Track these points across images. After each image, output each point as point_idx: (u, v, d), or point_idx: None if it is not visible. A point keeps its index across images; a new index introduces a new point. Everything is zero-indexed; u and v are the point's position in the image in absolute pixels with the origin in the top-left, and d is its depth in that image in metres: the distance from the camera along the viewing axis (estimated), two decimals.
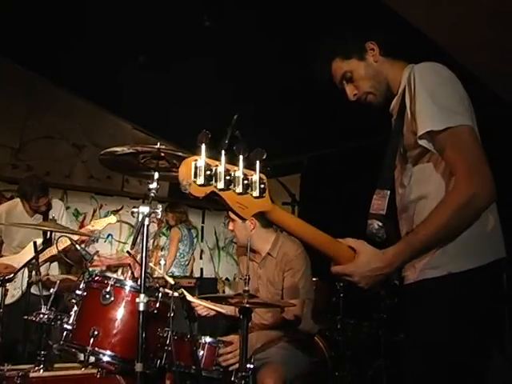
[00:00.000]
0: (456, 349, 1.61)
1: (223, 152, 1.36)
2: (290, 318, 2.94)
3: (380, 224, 1.71)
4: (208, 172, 1.33)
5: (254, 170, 1.42)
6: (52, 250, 4.03)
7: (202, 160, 1.34)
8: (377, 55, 1.83)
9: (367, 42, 1.84)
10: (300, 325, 3.01)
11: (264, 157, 1.43)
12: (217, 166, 1.36)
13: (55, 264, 4.54)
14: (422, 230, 1.56)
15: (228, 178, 1.36)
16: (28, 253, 4.19)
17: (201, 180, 1.32)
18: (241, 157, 1.40)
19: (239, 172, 1.39)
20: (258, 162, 1.42)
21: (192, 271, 6.36)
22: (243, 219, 1.48)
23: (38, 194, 4.31)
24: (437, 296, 1.65)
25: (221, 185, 1.35)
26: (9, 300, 3.92)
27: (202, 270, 7.32)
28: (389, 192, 1.75)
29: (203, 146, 1.36)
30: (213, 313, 3.26)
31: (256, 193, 1.41)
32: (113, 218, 4.41)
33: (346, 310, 4.38)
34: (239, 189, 1.38)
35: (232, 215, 3.20)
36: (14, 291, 4.03)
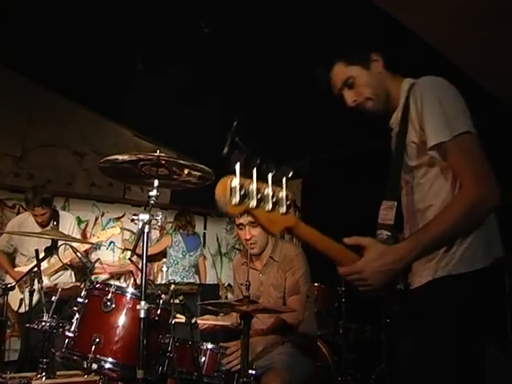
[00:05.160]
0: (454, 350, 1.62)
1: (255, 171, 1.46)
2: (290, 319, 2.95)
3: (389, 234, 1.74)
4: (242, 191, 1.42)
5: (281, 185, 1.52)
6: (59, 262, 4.11)
7: (236, 180, 1.42)
8: (380, 67, 1.89)
9: (372, 52, 1.89)
10: (301, 326, 3.01)
11: (290, 174, 1.48)
12: (249, 184, 1.44)
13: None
14: (434, 228, 1.60)
15: (259, 196, 1.45)
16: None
17: (236, 200, 1.41)
18: (269, 175, 1.49)
19: (269, 190, 1.48)
20: (284, 179, 1.53)
21: (201, 278, 6.36)
22: (272, 234, 1.54)
23: (34, 203, 4.41)
24: (438, 299, 1.67)
25: (253, 203, 1.44)
26: (22, 309, 3.97)
27: None
28: (396, 203, 1.78)
29: (237, 166, 1.44)
30: (218, 327, 3.26)
31: (283, 209, 1.50)
32: (117, 229, 4.52)
33: (348, 314, 4.38)
34: (269, 206, 1.47)
35: (251, 219, 3.11)
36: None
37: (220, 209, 1.43)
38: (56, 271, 4.35)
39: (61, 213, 4.85)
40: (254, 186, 1.45)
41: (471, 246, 1.65)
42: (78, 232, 4.82)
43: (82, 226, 6.23)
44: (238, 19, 4.04)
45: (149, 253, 5.99)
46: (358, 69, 1.87)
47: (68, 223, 4.75)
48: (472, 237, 1.65)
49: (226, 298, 7.17)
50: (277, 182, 1.52)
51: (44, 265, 4.24)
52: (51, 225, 4.57)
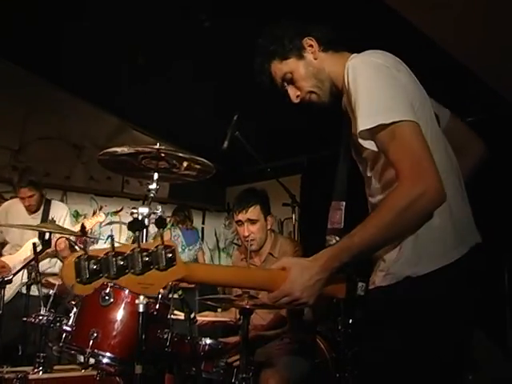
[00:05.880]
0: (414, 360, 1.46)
1: (112, 238, 1.27)
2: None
3: (338, 239, 1.59)
4: (94, 266, 1.22)
5: (159, 235, 1.30)
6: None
7: (84, 256, 1.22)
8: (316, 52, 1.71)
9: (304, 38, 1.71)
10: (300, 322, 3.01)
11: (164, 222, 1.34)
12: (107, 253, 1.24)
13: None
14: (359, 233, 1.43)
15: (122, 262, 1.25)
16: (24, 252, 4.19)
17: (85, 278, 1.21)
18: (137, 233, 1.32)
19: (137, 250, 1.27)
20: (161, 229, 1.33)
21: None
22: (150, 297, 1.38)
23: (20, 185, 4.28)
24: (392, 304, 1.51)
25: (113, 273, 1.23)
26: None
27: None
28: (344, 203, 1.65)
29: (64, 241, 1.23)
30: (217, 323, 3.26)
31: (162, 264, 1.30)
32: (101, 216, 4.45)
33: (347, 310, 4.36)
34: (138, 269, 1.27)
35: (250, 216, 3.07)
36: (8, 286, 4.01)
37: (71, 293, 1.26)
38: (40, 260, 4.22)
39: (54, 202, 4.65)
40: (111, 255, 1.24)
41: (433, 240, 1.46)
42: (70, 225, 4.58)
43: (80, 219, 6.19)
44: (241, 11, 4.01)
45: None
46: (293, 61, 1.71)
47: (59, 213, 4.54)
48: (433, 230, 1.46)
49: (224, 293, 7.16)
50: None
51: (27, 253, 4.19)
52: (39, 212, 4.44)
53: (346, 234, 1.48)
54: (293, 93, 1.75)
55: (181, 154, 2.29)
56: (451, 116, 1.79)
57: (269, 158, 4.42)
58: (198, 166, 2.37)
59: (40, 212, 4.47)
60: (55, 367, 2.67)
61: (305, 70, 1.71)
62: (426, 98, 1.61)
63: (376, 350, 1.53)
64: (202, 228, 7.46)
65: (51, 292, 2.78)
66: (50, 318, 2.58)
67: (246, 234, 3.06)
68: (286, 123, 5.31)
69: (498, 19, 3.44)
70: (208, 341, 2.69)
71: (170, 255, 1.31)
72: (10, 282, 3.36)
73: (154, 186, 2.26)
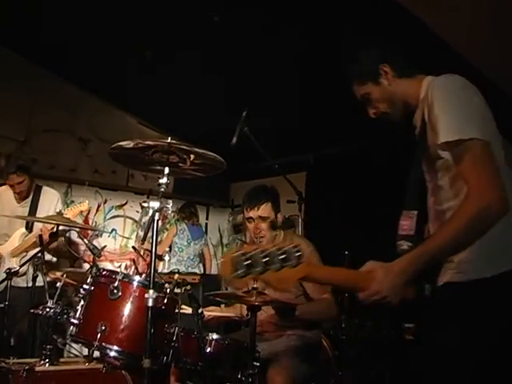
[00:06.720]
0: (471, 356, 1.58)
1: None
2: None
3: (410, 244, 1.76)
4: (247, 262, 1.41)
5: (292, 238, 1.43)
6: (32, 238, 4.00)
7: (239, 253, 1.42)
8: (390, 78, 1.89)
9: (380, 65, 1.89)
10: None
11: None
12: (254, 250, 1.43)
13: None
14: (433, 241, 1.65)
15: (264, 260, 1.43)
16: (13, 242, 4.15)
17: (242, 272, 1.41)
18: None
19: (274, 249, 1.45)
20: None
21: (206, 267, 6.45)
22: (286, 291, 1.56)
23: (8, 171, 4.15)
24: (455, 301, 1.67)
25: (259, 269, 1.43)
26: None
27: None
28: (416, 212, 1.80)
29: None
30: (222, 319, 3.26)
31: (293, 263, 1.47)
32: (84, 205, 4.35)
33: (351, 309, 4.36)
34: (276, 266, 1.44)
35: (261, 213, 3.08)
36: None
37: (227, 286, 1.43)
38: (26, 251, 4.07)
39: (45, 189, 4.46)
40: (257, 252, 1.43)
41: (498, 246, 1.62)
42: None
43: (85, 212, 6.18)
44: (251, 9, 3.99)
45: (160, 251, 5.96)
46: (370, 86, 1.91)
47: (49, 200, 4.35)
48: (497, 237, 1.61)
49: (227, 289, 7.16)
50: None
51: (15, 243, 4.14)
52: (28, 200, 4.30)
53: (419, 241, 1.72)
54: (370, 110, 1.96)
55: (193, 149, 2.28)
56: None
57: (274, 155, 4.42)
58: (209, 162, 2.37)
59: (29, 200, 4.31)
60: (61, 359, 2.66)
61: (380, 94, 1.90)
62: (493, 119, 1.77)
63: (438, 344, 1.68)
64: (206, 223, 7.46)
65: (58, 284, 2.77)
66: (58, 311, 2.57)
67: (257, 230, 3.07)
68: (292, 121, 5.31)
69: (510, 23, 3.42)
70: (215, 336, 2.69)
71: (298, 254, 1.48)
72: (17, 273, 3.37)
73: (164, 180, 2.26)
